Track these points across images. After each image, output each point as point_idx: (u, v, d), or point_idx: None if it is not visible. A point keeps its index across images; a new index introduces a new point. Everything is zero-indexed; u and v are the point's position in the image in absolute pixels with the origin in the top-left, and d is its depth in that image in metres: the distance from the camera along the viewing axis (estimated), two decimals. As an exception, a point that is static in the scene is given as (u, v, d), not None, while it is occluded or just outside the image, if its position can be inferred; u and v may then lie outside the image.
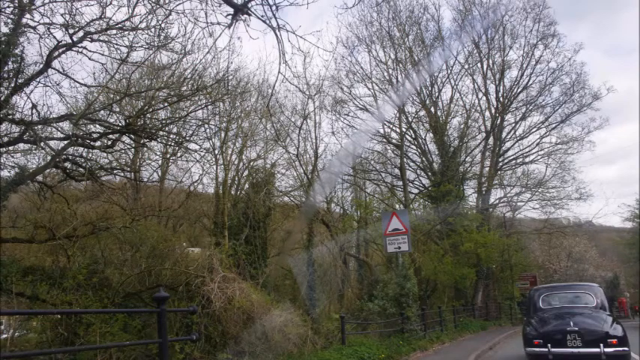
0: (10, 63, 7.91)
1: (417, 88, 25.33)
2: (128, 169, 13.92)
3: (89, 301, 8.49)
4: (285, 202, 21.57)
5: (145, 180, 17.33)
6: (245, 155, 18.46)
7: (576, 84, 26.78)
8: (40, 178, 10.22)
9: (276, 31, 5.28)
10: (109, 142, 10.00)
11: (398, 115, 24.03)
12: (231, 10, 5.15)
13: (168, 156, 16.95)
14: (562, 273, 37.32)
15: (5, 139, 8.64)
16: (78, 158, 10.19)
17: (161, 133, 10.76)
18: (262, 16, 5.25)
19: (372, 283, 19.22)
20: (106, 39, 8.56)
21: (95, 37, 8.44)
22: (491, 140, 27.48)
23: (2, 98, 7.87)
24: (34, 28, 8.02)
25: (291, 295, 16.59)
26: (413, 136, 26.68)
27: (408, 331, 13.22)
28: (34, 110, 8.33)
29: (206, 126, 14.05)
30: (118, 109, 10.65)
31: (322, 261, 19.04)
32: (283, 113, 19.43)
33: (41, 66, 8.28)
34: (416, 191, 27.68)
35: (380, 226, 16.80)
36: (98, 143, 9.71)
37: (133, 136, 10.48)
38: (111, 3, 8.22)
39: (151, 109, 10.12)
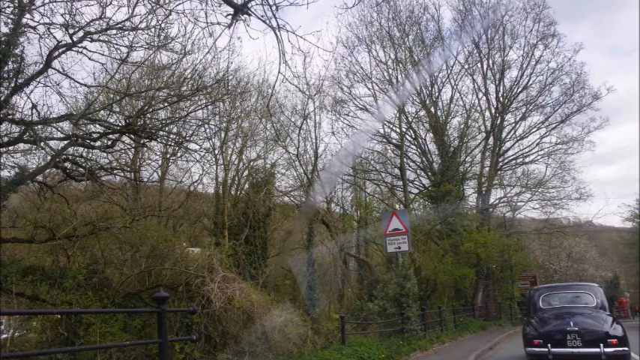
0: (10, 63, 7.91)
1: (417, 88, 25.32)
2: (128, 169, 13.93)
3: (89, 301, 8.49)
4: (285, 202, 21.58)
5: (145, 180, 17.36)
6: (245, 155, 18.50)
7: (576, 84, 26.74)
8: (40, 178, 10.22)
9: (276, 31, 5.28)
10: (109, 142, 10.00)
11: (398, 115, 24.02)
12: (231, 10, 5.15)
13: (168, 156, 16.97)
14: (562, 273, 37.31)
15: (5, 139, 8.63)
16: (78, 158, 10.20)
17: (161, 133, 10.75)
18: (262, 16, 5.26)
19: (372, 283, 19.22)
20: (106, 39, 8.57)
21: (95, 37, 8.44)
22: (491, 140, 27.46)
23: (2, 98, 7.86)
24: (34, 28, 8.02)
25: (291, 295, 16.58)
26: (413, 136, 26.66)
27: (408, 331, 13.21)
28: (34, 110, 8.34)
29: (206, 126, 14.08)
30: (118, 109, 10.66)
31: (322, 261, 19.05)
32: (283, 113, 19.47)
33: (41, 66, 8.28)
34: (416, 191, 27.67)
35: (380, 226, 16.81)
36: (98, 143, 9.72)
37: (133, 136, 10.48)
38: (111, 3, 8.23)
39: (151, 109, 10.12)
